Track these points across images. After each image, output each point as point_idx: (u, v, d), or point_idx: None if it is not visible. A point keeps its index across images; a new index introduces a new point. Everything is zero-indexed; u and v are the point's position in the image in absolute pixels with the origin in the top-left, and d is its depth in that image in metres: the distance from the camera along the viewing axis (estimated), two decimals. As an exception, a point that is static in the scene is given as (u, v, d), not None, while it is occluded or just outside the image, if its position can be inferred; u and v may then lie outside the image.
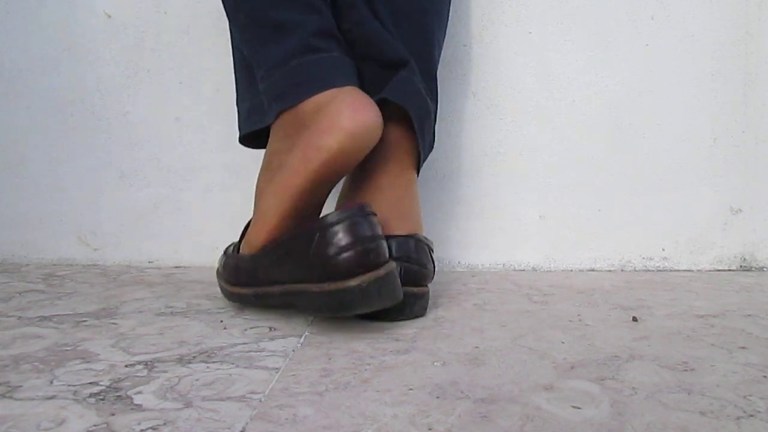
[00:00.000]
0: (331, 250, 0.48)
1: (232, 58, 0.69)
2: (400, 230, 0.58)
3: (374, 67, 0.60)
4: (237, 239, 0.67)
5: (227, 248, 0.67)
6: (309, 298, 0.51)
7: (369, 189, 0.59)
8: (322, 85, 0.54)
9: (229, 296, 0.62)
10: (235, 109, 0.69)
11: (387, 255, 0.51)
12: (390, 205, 0.59)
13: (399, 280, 0.51)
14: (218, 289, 0.71)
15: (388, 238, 0.57)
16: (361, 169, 0.60)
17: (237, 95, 0.68)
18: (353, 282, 0.48)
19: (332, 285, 0.49)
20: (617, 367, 0.43)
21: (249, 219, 0.65)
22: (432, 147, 0.65)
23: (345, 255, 0.48)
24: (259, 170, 0.62)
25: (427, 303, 0.60)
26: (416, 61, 0.61)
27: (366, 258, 0.49)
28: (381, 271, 0.49)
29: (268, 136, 0.61)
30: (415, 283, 0.57)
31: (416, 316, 0.58)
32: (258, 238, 0.57)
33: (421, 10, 0.62)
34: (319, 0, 0.57)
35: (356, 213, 0.50)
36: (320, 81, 0.54)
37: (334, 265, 0.48)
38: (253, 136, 0.66)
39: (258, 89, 0.60)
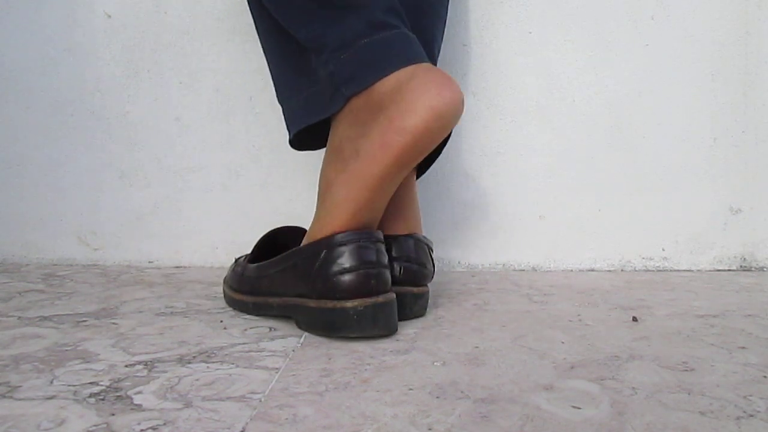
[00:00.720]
0: (334, 269, 0.49)
1: (264, 54, 0.65)
2: (399, 230, 0.58)
3: None
4: (240, 247, 0.67)
5: (238, 258, 0.67)
6: (305, 313, 0.51)
7: None
8: (399, 62, 0.50)
9: (230, 302, 0.62)
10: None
11: (389, 285, 0.51)
12: (390, 205, 0.58)
13: (396, 312, 0.51)
14: (218, 289, 0.71)
15: (387, 237, 0.57)
16: None
17: (280, 92, 0.62)
18: (349, 304, 0.48)
19: (329, 303, 0.49)
20: (617, 367, 0.43)
21: (265, 232, 0.65)
22: (440, 151, 0.64)
23: (347, 276, 0.49)
24: (323, 161, 0.56)
25: (427, 303, 0.60)
26: None
27: (367, 283, 0.49)
28: (380, 298, 0.49)
29: (324, 133, 0.57)
30: (415, 283, 0.57)
31: (416, 316, 0.58)
32: (324, 232, 0.52)
33: (419, 12, 0.62)
34: None
35: (365, 237, 0.50)
36: (396, 58, 0.50)
37: (335, 284, 0.49)
38: (307, 135, 0.60)
39: (314, 77, 0.55)
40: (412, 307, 0.57)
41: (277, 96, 0.63)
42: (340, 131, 0.54)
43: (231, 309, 0.61)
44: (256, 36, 0.66)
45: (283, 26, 0.57)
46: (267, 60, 0.65)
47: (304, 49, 0.56)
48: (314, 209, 0.56)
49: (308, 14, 0.53)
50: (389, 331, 0.51)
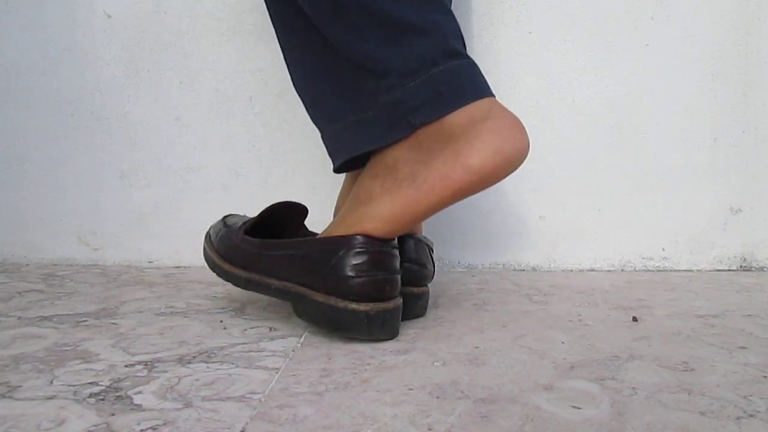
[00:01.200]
0: (350, 270, 0.49)
1: (289, 69, 0.60)
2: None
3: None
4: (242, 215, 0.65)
5: (226, 217, 0.64)
6: (310, 306, 0.51)
7: None
8: (472, 94, 0.49)
9: (217, 269, 0.59)
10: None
11: (398, 290, 0.51)
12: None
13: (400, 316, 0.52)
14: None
15: None
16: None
17: (319, 112, 0.57)
18: (362, 307, 0.49)
19: (340, 303, 0.49)
20: (617, 367, 0.43)
21: (273, 203, 0.61)
22: None
23: (362, 279, 0.49)
24: (366, 172, 0.54)
25: (427, 303, 0.60)
26: None
27: (382, 289, 0.49)
28: (390, 304, 0.50)
29: (368, 154, 0.54)
30: (415, 283, 0.57)
31: (416, 316, 0.58)
32: (349, 233, 0.51)
33: None
34: (419, 16, 0.50)
35: (384, 244, 0.50)
36: (470, 90, 0.49)
37: (349, 284, 0.49)
38: (351, 158, 0.56)
39: (367, 102, 0.51)
40: (412, 307, 0.57)
41: (313, 116, 0.59)
42: (396, 151, 0.51)
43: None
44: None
45: (329, 42, 0.53)
46: (296, 77, 0.60)
47: (353, 68, 0.52)
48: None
49: (366, 32, 0.50)
50: (393, 336, 0.51)
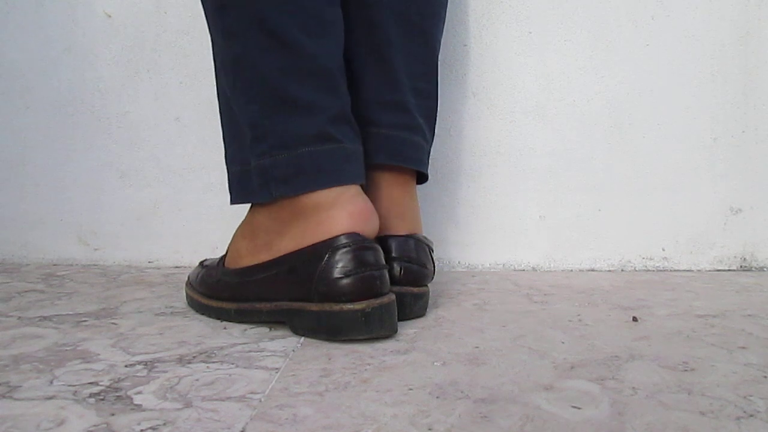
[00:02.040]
0: (339, 272, 0.49)
1: (218, 106, 0.62)
2: (399, 230, 0.58)
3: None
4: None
5: (203, 261, 0.66)
6: (306, 318, 0.51)
7: (368, 189, 0.58)
8: (329, 181, 0.52)
9: (204, 309, 0.59)
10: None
11: (389, 286, 0.51)
12: (389, 205, 0.59)
13: (396, 312, 0.52)
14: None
15: (388, 238, 0.57)
16: None
17: (226, 152, 0.61)
18: (358, 306, 0.49)
19: (335, 306, 0.49)
20: (617, 367, 0.43)
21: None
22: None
23: (352, 279, 0.49)
24: (241, 228, 0.59)
25: (427, 303, 0.60)
26: (418, 64, 0.62)
27: (373, 285, 0.50)
28: (384, 299, 0.50)
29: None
30: (415, 283, 0.57)
31: (416, 316, 0.58)
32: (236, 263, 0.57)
33: (422, 15, 0.62)
34: (339, 74, 0.54)
35: (363, 240, 0.50)
36: (327, 176, 0.52)
37: (341, 286, 0.49)
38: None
39: (248, 156, 0.55)
40: (413, 307, 0.57)
41: (224, 153, 0.61)
42: (259, 218, 0.56)
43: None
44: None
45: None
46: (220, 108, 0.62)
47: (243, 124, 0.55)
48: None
49: (254, 96, 0.53)
50: (393, 331, 0.51)
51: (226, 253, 0.61)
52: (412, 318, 0.57)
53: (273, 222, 0.55)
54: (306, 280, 0.50)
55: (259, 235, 0.56)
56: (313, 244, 0.51)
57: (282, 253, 0.53)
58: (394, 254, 0.56)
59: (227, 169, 0.60)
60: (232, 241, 0.60)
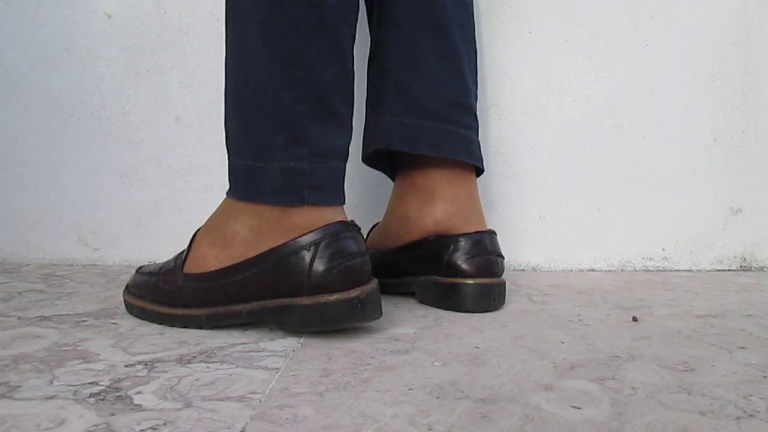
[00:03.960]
0: (331, 262, 0.49)
1: (228, 92, 0.56)
2: (479, 225, 0.64)
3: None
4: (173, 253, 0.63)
5: (139, 269, 0.62)
6: (297, 313, 0.50)
7: (447, 186, 0.64)
8: (340, 199, 0.54)
9: (162, 319, 0.55)
10: None
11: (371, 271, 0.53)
12: (468, 200, 0.65)
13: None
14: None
15: (465, 236, 0.61)
16: (415, 173, 0.65)
17: (230, 142, 0.56)
18: (353, 293, 0.49)
19: (331, 297, 0.49)
20: (617, 367, 0.43)
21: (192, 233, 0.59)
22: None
23: (344, 267, 0.49)
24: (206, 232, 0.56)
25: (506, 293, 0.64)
26: (474, 70, 0.70)
27: (364, 271, 0.51)
28: (373, 285, 0.51)
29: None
30: (497, 274, 0.62)
31: (495, 309, 0.61)
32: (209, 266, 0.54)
33: (470, 24, 0.68)
34: (348, 113, 0.55)
35: (345, 229, 0.51)
36: (341, 194, 0.55)
37: (334, 275, 0.49)
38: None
39: (270, 153, 0.52)
40: (500, 297, 0.62)
41: (227, 147, 0.57)
42: (238, 228, 0.53)
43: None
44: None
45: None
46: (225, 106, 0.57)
47: (269, 114, 0.52)
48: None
49: (302, 96, 0.51)
50: (381, 315, 0.52)
51: (185, 258, 0.56)
52: (492, 311, 0.61)
53: (251, 232, 0.52)
54: (296, 273, 0.49)
55: (234, 245, 0.53)
56: (294, 239, 0.50)
57: (261, 251, 0.51)
58: (489, 249, 0.61)
59: (230, 160, 0.55)
60: (195, 245, 0.56)
